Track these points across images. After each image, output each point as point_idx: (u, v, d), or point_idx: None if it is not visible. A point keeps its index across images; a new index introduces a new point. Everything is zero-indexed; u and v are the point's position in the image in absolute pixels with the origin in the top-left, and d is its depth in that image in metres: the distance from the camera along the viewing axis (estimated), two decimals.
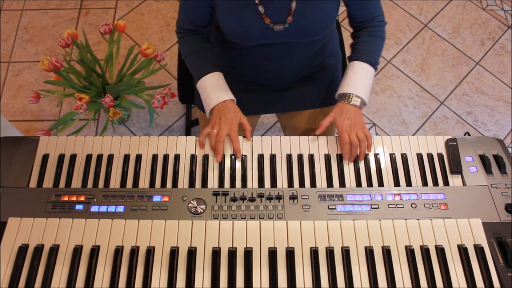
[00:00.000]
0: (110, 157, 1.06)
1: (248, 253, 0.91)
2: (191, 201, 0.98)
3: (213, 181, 1.03)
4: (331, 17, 1.10)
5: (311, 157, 1.06)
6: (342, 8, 1.47)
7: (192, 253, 0.90)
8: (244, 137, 1.10)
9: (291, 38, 1.11)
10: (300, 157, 1.06)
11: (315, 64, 1.26)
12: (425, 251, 0.92)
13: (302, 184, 1.03)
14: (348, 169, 1.06)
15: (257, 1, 1.04)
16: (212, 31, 1.27)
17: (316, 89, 1.30)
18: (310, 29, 1.09)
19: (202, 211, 0.97)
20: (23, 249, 0.91)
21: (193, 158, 1.06)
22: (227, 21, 1.09)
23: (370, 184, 1.03)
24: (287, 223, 0.95)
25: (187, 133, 2.01)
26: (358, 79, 1.12)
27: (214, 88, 1.13)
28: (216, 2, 1.08)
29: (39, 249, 0.91)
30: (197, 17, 1.15)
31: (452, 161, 1.06)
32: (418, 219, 0.96)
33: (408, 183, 1.03)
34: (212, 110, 1.12)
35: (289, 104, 1.32)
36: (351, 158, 1.06)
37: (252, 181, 1.03)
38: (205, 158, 1.06)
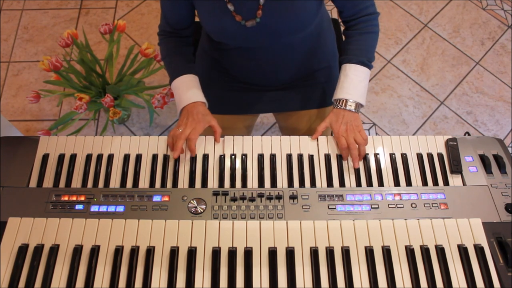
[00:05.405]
0: (110, 157, 1.06)
1: (248, 253, 0.91)
2: (191, 201, 0.98)
3: (213, 181, 1.03)
4: (309, 14, 1.07)
5: (311, 157, 1.06)
6: None
7: (192, 253, 0.90)
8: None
9: (270, 37, 1.10)
10: (300, 157, 1.06)
11: (309, 64, 1.25)
12: (425, 251, 0.92)
13: (302, 184, 1.03)
14: (348, 169, 1.06)
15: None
16: (203, 32, 1.28)
17: (313, 90, 1.30)
18: (284, 26, 1.07)
19: (202, 211, 0.97)
20: (23, 249, 0.91)
21: (193, 158, 1.06)
22: (205, 22, 1.10)
23: (370, 184, 1.03)
24: (287, 223, 0.95)
25: None
26: (351, 83, 1.10)
27: (186, 89, 1.13)
28: (195, 2, 1.09)
29: (39, 249, 0.91)
30: (174, 19, 1.16)
31: (452, 161, 1.06)
32: (418, 219, 0.96)
33: (408, 183, 1.03)
34: (182, 111, 1.12)
35: (285, 104, 1.31)
36: (353, 161, 1.06)
37: (252, 181, 1.03)
38: (205, 157, 1.06)
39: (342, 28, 1.21)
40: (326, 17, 1.28)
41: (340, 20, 1.20)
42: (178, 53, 1.19)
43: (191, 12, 1.14)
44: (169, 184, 1.03)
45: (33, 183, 1.02)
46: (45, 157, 1.06)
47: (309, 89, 1.30)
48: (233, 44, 1.16)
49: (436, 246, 0.92)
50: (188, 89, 1.13)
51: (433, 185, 1.03)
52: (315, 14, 1.10)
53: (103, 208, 0.97)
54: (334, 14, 2.40)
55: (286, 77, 1.26)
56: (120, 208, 0.97)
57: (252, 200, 0.98)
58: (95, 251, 0.91)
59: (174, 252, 0.90)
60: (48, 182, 1.02)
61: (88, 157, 1.06)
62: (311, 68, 1.27)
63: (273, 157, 1.06)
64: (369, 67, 1.13)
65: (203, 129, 1.08)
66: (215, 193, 0.99)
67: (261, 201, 0.98)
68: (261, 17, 1.05)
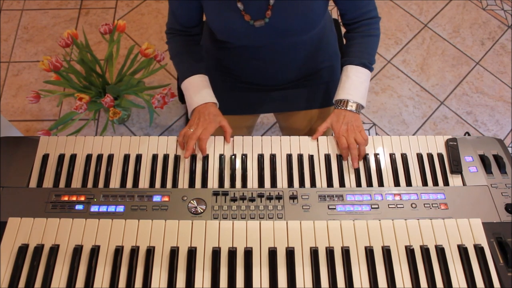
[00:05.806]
0: (110, 157, 1.06)
1: (248, 253, 0.91)
2: (191, 201, 0.98)
3: (213, 181, 1.03)
4: (317, 14, 1.07)
5: (311, 157, 1.06)
6: None
7: (192, 253, 0.90)
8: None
9: (277, 37, 1.10)
10: (300, 157, 1.06)
11: (312, 64, 1.26)
12: (425, 251, 0.92)
13: (302, 184, 1.03)
14: (348, 169, 1.06)
15: None
16: (205, 31, 1.28)
17: (314, 89, 1.30)
18: (293, 26, 1.07)
19: (202, 211, 0.97)
20: (23, 249, 0.91)
21: (193, 158, 1.06)
22: (212, 21, 1.10)
23: (370, 184, 1.03)
24: (287, 223, 0.95)
25: None
26: (352, 84, 1.11)
27: (197, 90, 1.13)
28: (203, 2, 1.09)
29: (39, 249, 0.91)
30: (184, 17, 1.16)
31: (452, 161, 1.06)
32: (418, 219, 0.96)
33: (408, 183, 1.03)
34: (193, 111, 1.12)
35: (288, 104, 1.31)
36: (353, 161, 1.06)
37: (252, 181, 1.03)
38: (205, 157, 1.06)
39: (343, 30, 1.22)
40: (329, 17, 1.28)
41: (340, 22, 1.20)
42: (188, 52, 1.19)
43: (200, 10, 1.13)
44: (169, 184, 1.03)
45: (33, 183, 1.02)
46: (45, 157, 1.06)
47: (311, 89, 1.30)
48: (238, 43, 1.16)
49: (436, 246, 0.92)
50: (199, 90, 1.13)
51: (433, 185, 1.03)
52: (322, 15, 1.10)
53: (103, 208, 0.97)
54: (334, 14, 2.40)
55: (288, 77, 1.26)
56: (120, 208, 0.97)
57: (252, 200, 0.98)
58: (95, 251, 0.91)
59: (174, 252, 0.90)
60: (48, 182, 1.02)
61: (88, 157, 1.06)
62: (314, 67, 1.27)
63: (273, 157, 1.06)
64: (370, 69, 1.14)
65: (214, 129, 1.08)
66: (215, 193, 0.99)
67: (261, 201, 0.98)
68: (270, 17, 1.05)
